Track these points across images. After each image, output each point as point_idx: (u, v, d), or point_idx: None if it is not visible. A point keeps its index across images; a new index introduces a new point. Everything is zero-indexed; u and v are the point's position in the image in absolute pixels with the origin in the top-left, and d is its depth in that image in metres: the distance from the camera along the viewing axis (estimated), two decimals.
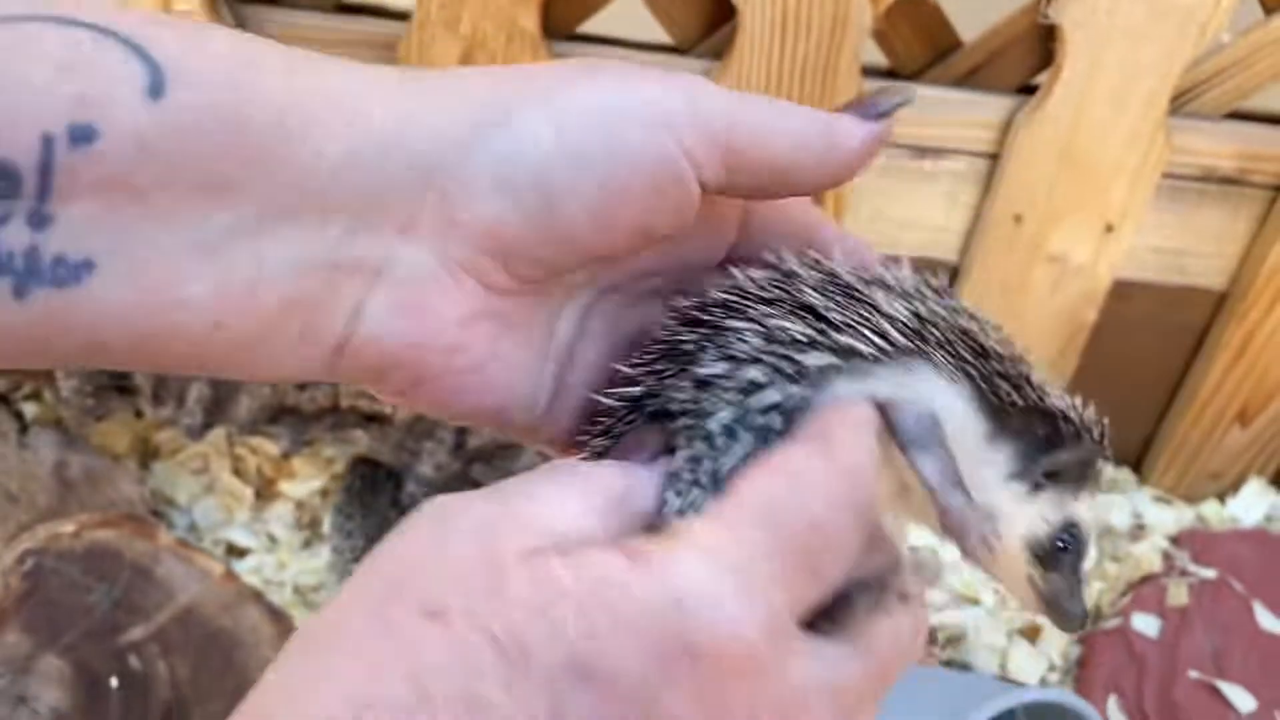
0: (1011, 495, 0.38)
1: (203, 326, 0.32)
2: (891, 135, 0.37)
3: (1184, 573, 1.15)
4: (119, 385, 1.02)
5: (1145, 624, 1.12)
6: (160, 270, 0.30)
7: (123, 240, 0.30)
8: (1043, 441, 0.38)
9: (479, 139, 0.33)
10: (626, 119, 0.33)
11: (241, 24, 0.98)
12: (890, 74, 1.04)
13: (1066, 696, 0.89)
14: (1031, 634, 1.12)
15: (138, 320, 0.31)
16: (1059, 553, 0.38)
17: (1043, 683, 1.10)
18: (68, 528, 0.94)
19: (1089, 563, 0.39)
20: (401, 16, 0.99)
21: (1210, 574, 1.14)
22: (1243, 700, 1.06)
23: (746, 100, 0.35)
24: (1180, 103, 1.04)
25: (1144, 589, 1.15)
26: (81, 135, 0.28)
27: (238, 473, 1.16)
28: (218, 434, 1.13)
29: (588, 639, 0.27)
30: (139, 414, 1.08)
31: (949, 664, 1.08)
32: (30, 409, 1.14)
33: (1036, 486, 0.38)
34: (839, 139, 0.35)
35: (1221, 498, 1.26)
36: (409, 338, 0.35)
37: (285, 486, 1.16)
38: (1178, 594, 1.13)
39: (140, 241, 0.30)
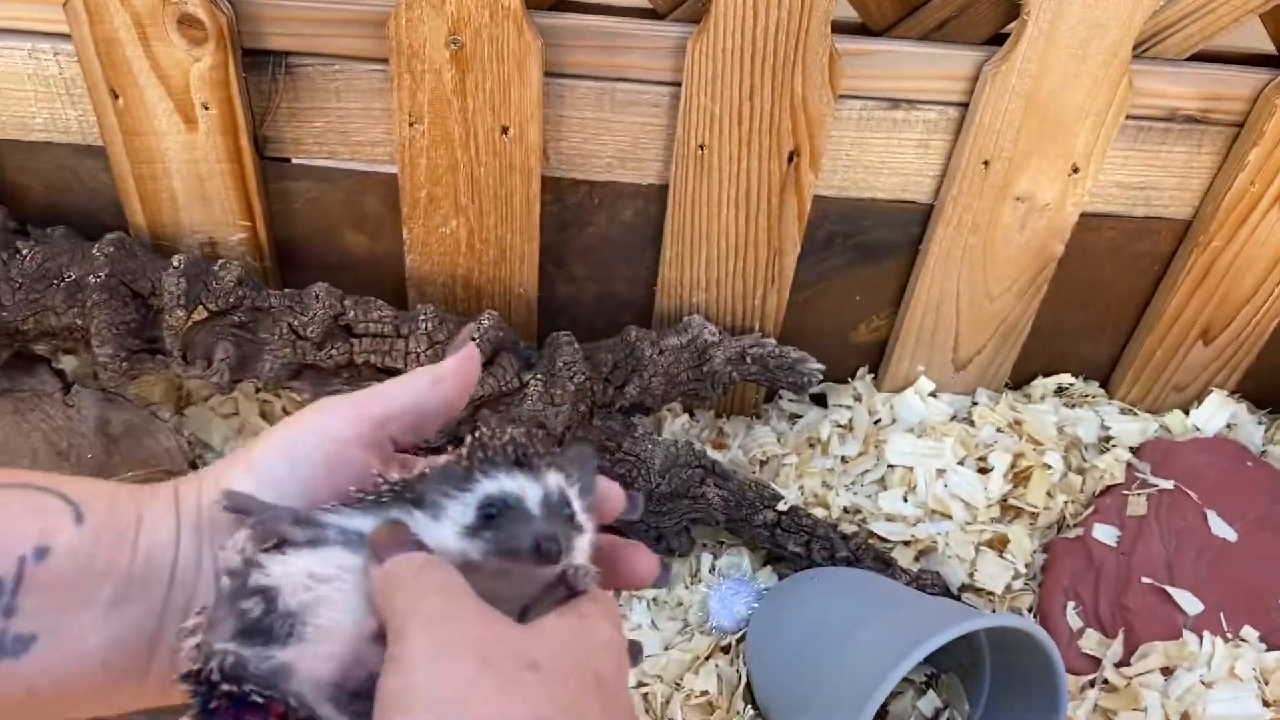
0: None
1: (95, 667, 0.44)
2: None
3: (1144, 484, 1.23)
4: (151, 349, 1.10)
5: (1105, 533, 1.21)
6: (75, 633, 0.44)
7: (55, 617, 0.44)
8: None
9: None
10: (320, 436, 0.49)
11: (239, 10, 1.02)
12: (863, 29, 1.08)
13: (1019, 620, 0.98)
14: (999, 544, 1.22)
15: (55, 669, 0.44)
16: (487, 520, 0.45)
17: (1008, 590, 1.20)
18: None
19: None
20: None
21: (1168, 485, 1.22)
22: (1190, 604, 1.15)
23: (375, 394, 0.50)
24: (1145, 47, 1.07)
25: (1105, 500, 1.24)
26: (41, 554, 0.43)
27: (265, 415, 1.26)
28: (245, 385, 1.22)
29: None
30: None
31: (922, 574, 1.18)
32: (69, 363, 1.23)
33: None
34: (441, 379, 0.51)
35: (1185, 409, 1.33)
36: None
37: None
38: (1136, 505, 1.22)
39: (67, 617, 0.44)
